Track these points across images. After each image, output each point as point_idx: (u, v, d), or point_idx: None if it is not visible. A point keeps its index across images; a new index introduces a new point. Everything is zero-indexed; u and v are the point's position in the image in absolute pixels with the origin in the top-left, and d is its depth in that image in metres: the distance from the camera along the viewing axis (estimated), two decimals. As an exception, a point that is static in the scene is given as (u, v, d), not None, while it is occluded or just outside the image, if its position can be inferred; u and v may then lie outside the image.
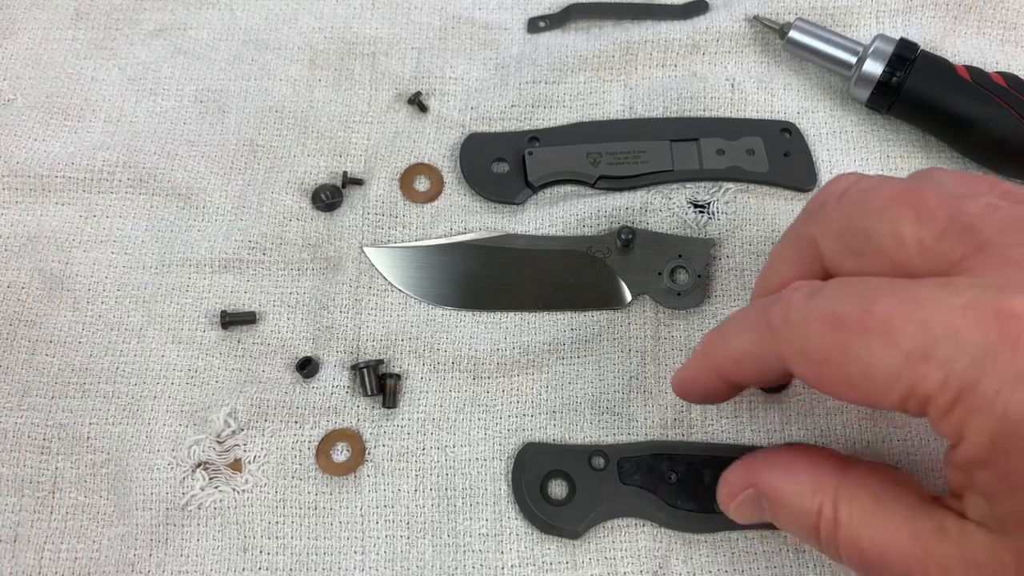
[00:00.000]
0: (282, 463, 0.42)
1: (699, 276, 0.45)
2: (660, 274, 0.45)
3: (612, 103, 0.51)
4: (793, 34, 0.50)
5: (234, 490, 0.41)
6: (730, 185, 0.48)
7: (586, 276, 0.45)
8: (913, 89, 0.47)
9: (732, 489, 0.35)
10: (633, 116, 0.50)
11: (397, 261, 0.46)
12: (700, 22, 0.52)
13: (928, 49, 0.49)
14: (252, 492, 0.41)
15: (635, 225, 0.46)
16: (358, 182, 0.48)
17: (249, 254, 0.46)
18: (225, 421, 0.42)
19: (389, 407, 0.43)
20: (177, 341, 0.44)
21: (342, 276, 0.46)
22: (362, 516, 0.41)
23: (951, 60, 0.48)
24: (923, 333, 0.27)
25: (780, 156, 0.48)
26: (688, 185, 0.48)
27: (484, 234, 0.47)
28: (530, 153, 0.48)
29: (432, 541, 0.41)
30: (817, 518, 0.32)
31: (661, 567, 0.40)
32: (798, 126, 0.50)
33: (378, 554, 0.40)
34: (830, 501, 0.32)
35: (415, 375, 0.44)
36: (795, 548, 0.40)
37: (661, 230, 0.46)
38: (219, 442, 0.42)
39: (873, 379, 0.29)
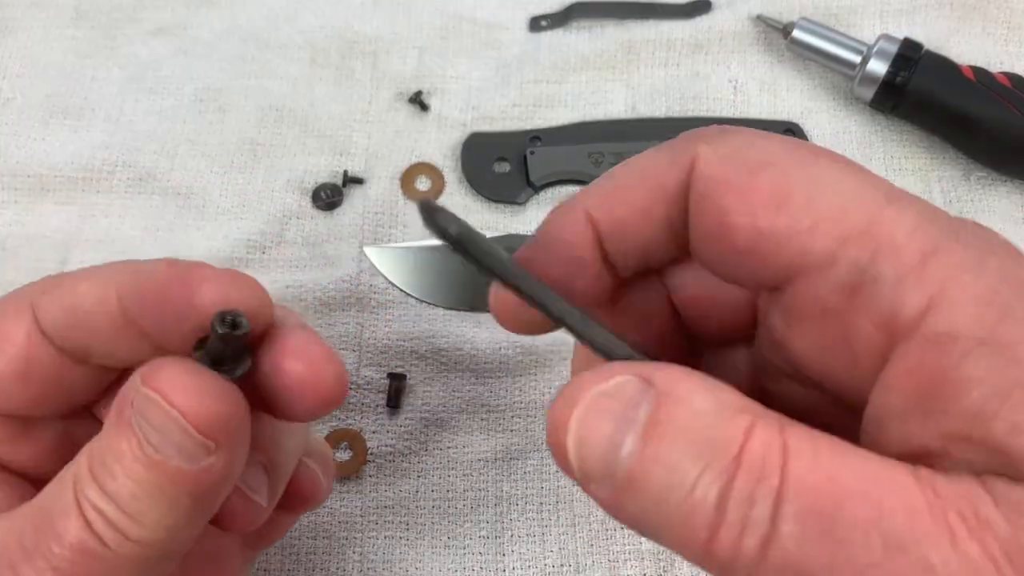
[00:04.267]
0: (282, 464, 0.42)
1: (702, 276, 0.44)
2: (663, 274, 0.44)
3: (614, 103, 0.51)
4: (796, 34, 0.50)
5: (233, 491, 0.41)
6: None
7: (588, 276, 0.45)
8: (917, 89, 0.47)
9: (607, 372, 0.21)
10: (635, 116, 0.50)
11: (397, 261, 0.45)
12: (703, 21, 0.52)
13: (932, 49, 0.48)
14: (251, 493, 0.41)
15: (638, 225, 0.46)
16: (358, 181, 0.48)
17: (248, 253, 0.46)
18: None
19: (392, 407, 0.43)
20: (176, 341, 0.44)
21: (342, 275, 0.45)
22: (362, 517, 0.41)
23: (955, 60, 0.48)
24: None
25: (783, 156, 0.48)
26: (691, 185, 0.47)
27: (485, 234, 0.46)
28: (532, 153, 0.48)
29: (431, 543, 0.40)
30: (741, 445, 0.19)
31: (666, 570, 0.40)
32: (802, 126, 0.49)
33: (376, 555, 0.40)
34: (773, 427, 0.20)
35: (418, 375, 0.44)
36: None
37: (664, 230, 0.46)
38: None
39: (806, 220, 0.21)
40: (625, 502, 0.20)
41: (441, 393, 0.43)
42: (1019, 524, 0.18)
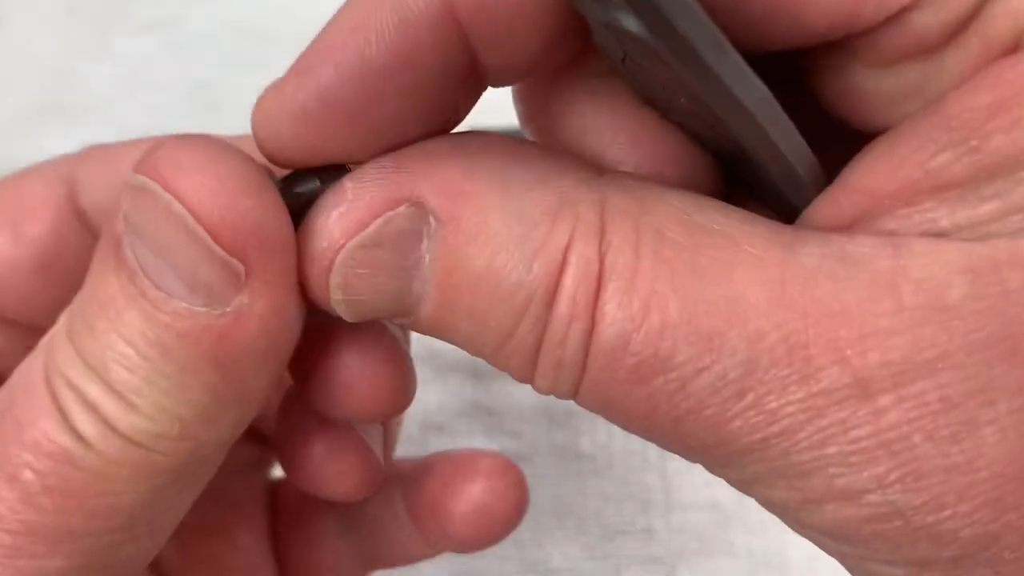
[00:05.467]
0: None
1: (707, 273, 0.44)
2: (667, 272, 0.44)
3: (617, 96, 0.50)
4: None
5: (230, 495, 0.40)
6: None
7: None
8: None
9: (359, 210, 0.16)
10: (639, 108, 0.49)
11: (396, 259, 0.45)
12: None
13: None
14: (248, 498, 0.41)
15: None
16: (356, 178, 0.47)
17: (244, 253, 0.45)
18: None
19: (389, 410, 0.42)
20: (171, 343, 0.44)
21: (339, 275, 0.45)
22: (360, 523, 0.40)
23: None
24: None
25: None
26: (695, 180, 0.47)
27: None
28: (532, 147, 0.47)
29: (433, 547, 0.40)
30: (557, 279, 0.15)
31: (670, 575, 0.39)
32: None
33: (377, 562, 0.40)
34: (592, 240, 0.15)
35: (416, 378, 0.43)
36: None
37: (668, 226, 0.45)
38: (214, 447, 0.41)
39: None
40: (441, 337, 0.18)
41: (439, 396, 0.43)
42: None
